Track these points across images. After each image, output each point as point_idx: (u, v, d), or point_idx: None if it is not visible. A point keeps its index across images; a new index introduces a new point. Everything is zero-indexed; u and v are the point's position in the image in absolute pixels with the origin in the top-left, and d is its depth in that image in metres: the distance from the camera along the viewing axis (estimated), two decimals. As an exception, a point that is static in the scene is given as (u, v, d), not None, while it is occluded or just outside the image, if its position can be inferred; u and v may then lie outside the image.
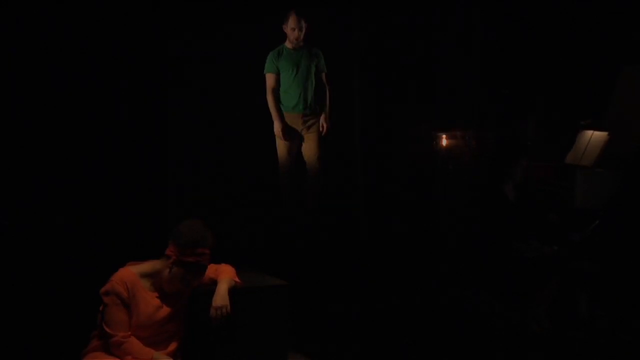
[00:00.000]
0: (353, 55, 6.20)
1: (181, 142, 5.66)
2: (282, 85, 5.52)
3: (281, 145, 5.57)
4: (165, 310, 3.26)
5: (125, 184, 5.21)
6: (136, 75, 5.31)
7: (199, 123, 5.69)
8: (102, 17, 5.13)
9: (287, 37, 5.51)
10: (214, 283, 3.38)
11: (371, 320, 4.87)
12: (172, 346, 3.28)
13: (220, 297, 3.31)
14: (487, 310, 4.94)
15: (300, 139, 5.58)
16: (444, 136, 6.51)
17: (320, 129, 5.56)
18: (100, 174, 5.12)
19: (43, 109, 5.00)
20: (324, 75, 5.58)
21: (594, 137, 5.69)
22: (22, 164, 4.93)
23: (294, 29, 5.40)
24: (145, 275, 3.25)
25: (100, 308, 3.20)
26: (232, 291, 3.37)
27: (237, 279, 3.45)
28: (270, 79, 5.52)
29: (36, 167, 4.94)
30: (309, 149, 5.55)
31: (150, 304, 3.23)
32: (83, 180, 5.04)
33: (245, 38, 5.78)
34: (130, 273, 3.23)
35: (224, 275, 3.41)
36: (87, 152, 5.10)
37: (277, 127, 5.48)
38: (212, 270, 3.42)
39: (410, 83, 6.36)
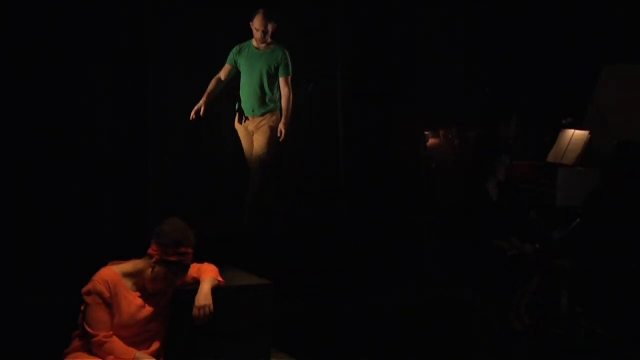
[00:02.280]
0: (335, 55, 6.19)
1: (162, 140, 5.63)
2: (241, 83, 5.37)
3: (244, 146, 5.49)
4: (148, 309, 3.25)
5: (106, 183, 5.17)
6: (117, 72, 5.27)
7: (180, 122, 5.66)
8: (80, 10, 5.07)
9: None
10: (196, 282, 3.38)
11: (354, 319, 4.88)
12: (155, 346, 3.28)
13: (203, 296, 3.31)
14: (469, 307, 4.97)
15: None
16: (427, 135, 6.54)
17: (278, 135, 5.35)
18: (81, 173, 5.09)
19: (19, 105, 4.95)
20: (287, 79, 5.32)
21: (575, 136, 5.75)
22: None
23: (257, 30, 5.22)
24: (127, 275, 3.24)
25: (82, 308, 3.19)
26: (215, 290, 3.36)
27: (219, 278, 3.45)
28: (223, 69, 5.37)
29: (15, 164, 4.90)
30: (254, 148, 5.40)
31: (133, 303, 3.22)
32: (63, 179, 5.00)
33: (228, 33, 5.75)
34: (112, 272, 3.22)
35: (207, 275, 3.41)
36: (68, 151, 5.06)
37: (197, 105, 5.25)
38: (194, 269, 3.41)
39: (392, 82, 6.36)
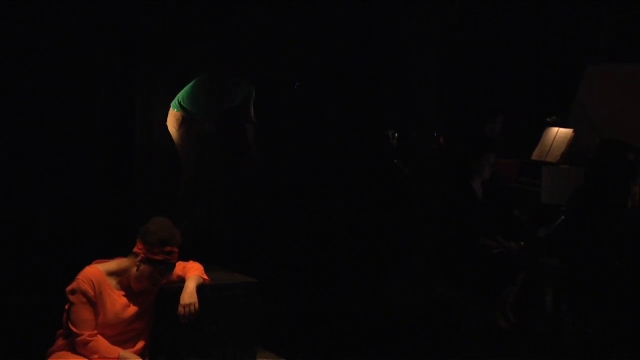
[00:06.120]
0: (323, 55, 6.18)
1: (149, 139, 5.61)
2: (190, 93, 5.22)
3: (186, 146, 5.36)
4: (133, 308, 3.24)
5: (93, 182, 5.15)
6: (105, 72, 5.24)
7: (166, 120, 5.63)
8: (72, 12, 5.04)
9: None
10: (182, 281, 3.37)
11: (342, 318, 4.89)
12: (140, 344, 3.26)
13: (188, 294, 3.30)
14: (454, 305, 4.99)
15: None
16: (413, 134, 6.56)
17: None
18: (66, 172, 5.06)
19: (8, 104, 4.93)
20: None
21: (560, 134, 5.79)
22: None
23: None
24: (112, 274, 3.22)
25: (66, 307, 3.16)
26: (201, 289, 3.36)
27: (205, 277, 3.44)
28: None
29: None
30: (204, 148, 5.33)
31: (117, 302, 3.20)
32: (47, 178, 4.98)
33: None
34: (97, 271, 3.20)
35: (192, 273, 3.40)
36: (53, 150, 5.03)
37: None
38: (179, 267, 3.40)
39: (381, 82, 6.38)
